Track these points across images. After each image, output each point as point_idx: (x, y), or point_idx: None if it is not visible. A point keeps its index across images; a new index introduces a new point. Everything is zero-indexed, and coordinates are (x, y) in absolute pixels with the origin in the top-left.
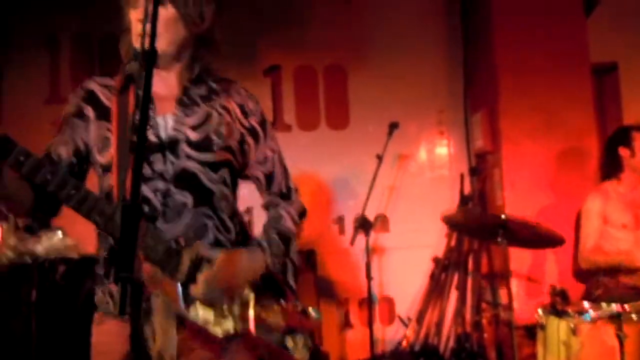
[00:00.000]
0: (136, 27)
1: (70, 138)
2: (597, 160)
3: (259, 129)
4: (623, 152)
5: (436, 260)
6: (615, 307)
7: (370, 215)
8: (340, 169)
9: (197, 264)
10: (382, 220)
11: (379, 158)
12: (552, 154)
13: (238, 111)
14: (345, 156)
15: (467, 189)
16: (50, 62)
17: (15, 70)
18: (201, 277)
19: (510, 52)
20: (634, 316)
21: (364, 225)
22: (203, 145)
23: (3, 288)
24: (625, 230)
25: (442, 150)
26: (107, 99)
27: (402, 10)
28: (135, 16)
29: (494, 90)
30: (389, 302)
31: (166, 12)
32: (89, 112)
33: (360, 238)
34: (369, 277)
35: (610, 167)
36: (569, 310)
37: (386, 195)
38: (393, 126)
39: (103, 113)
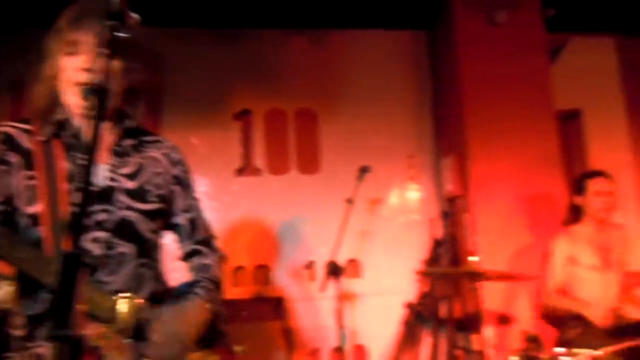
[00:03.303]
0: (76, 76)
1: None
2: (564, 203)
3: (184, 177)
4: (578, 200)
5: (409, 307)
6: (587, 352)
7: (342, 261)
8: (311, 214)
9: (143, 320)
10: (354, 266)
11: (350, 202)
12: (521, 197)
13: (166, 161)
14: (316, 200)
15: (439, 234)
16: None
17: None
18: (154, 337)
19: (478, 98)
20: None
21: (334, 271)
22: (140, 194)
23: None
24: (594, 271)
25: (413, 194)
26: (28, 144)
27: (373, 57)
28: (74, 64)
29: (463, 135)
30: (361, 351)
31: (112, 64)
32: (12, 157)
33: (332, 284)
34: (340, 325)
35: (573, 215)
36: (542, 356)
37: (358, 240)
38: (363, 170)
39: (26, 160)
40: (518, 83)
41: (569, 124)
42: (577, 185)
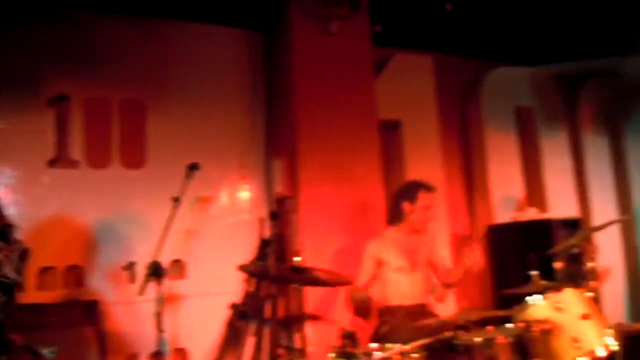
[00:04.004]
0: None
1: None
2: (382, 208)
3: None
4: (406, 206)
5: (233, 307)
6: (398, 347)
7: (166, 262)
8: (133, 211)
9: None
10: (179, 266)
11: (176, 200)
12: (344, 201)
13: None
14: (139, 197)
15: (267, 233)
16: None
17: None
18: None
19: (309, 104)
20: (414, 355)
21: (156, 272)
22: None
23: None
24: (400, 273)
25: (244, 194)
26: None
27: (208, 53)
28: None
29: (293, 139)
30: (183, 354)
31: None
32: None
33: (153, 286)
34: (160, 329)
35: (394, 216)
36: (357, 352)
37: (184, 240)
38: (192, 167)
39: None
40: (346, 92)
41: (390, 134)
42: (408, 193)
